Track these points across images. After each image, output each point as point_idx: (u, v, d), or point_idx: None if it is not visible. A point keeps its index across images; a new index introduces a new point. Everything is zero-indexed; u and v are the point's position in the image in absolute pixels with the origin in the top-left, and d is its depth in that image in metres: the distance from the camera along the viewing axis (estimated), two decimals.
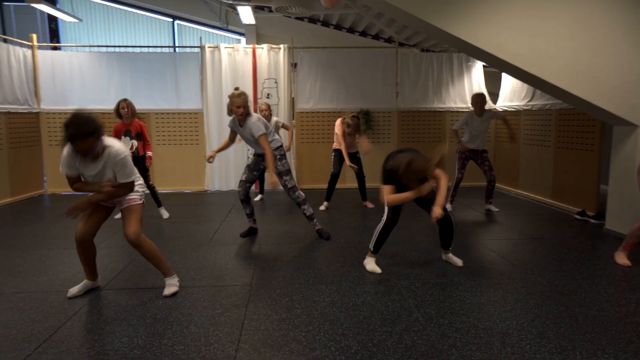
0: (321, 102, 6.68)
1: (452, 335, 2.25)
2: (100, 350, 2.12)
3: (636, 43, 3.67)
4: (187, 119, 6.65)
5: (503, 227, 4.40)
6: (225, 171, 6.66)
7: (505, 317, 2.43)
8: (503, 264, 3.29)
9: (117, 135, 4.66)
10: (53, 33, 8.84)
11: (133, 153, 4.64)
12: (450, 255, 3.31)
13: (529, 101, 5.85)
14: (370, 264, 3.19)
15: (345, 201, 5.72)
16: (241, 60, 6.55)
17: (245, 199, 4.02)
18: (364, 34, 8.17)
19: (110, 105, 6.50)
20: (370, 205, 5.30)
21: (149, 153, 4.77)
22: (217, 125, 6.55)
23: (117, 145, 2.58)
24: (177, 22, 9.15)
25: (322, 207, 5.25)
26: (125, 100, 4.72)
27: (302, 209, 3.96)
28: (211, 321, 2.41)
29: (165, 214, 4.88)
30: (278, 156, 3.87)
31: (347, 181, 6.73)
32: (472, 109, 5.06)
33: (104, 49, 8.11)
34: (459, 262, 3.27)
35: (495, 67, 4.17)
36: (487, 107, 6.77)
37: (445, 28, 3.60)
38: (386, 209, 3.13)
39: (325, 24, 8.13)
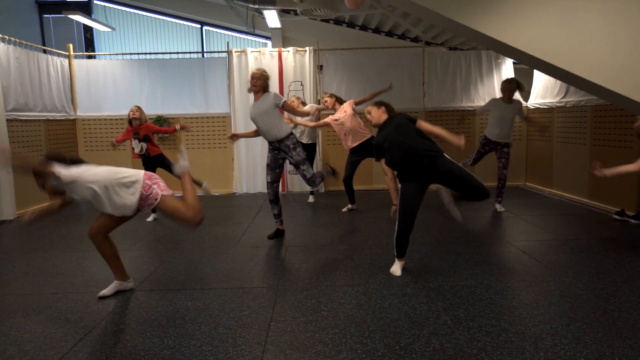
0: None
1: (482, 339, 2.19)
2: (132, 350, 2.18)
3: None
4: (215, 122, 6.77)
5: (536, 227, 4.26)
6: (253, 174, 6.73)
7: (538, 321, 2.35)
8: (536, 266, 3.18)
9: (127, 137, 4.89)
10: (88, 42, 9.20)
11: (143, 155, 4.85)
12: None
13: (562, 98, 5.65)
14: (394, 266, 3.15)
15: (374, 202, 5.68)
16: (267, 63, 6.61)
17: (275, 199, 4.07)
18: (390, 34, 8.10)
19: None
20: None
21: (178, 126, 5.11)
22: (245, 128, 6.62)
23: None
24: (205, 27, 9.35)
25: (344, 209, 5.22)
26: (137, 106, 4.94)
27: (320, 172, 4.17)
28: (238, 323, 2.44)
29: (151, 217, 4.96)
30: (292, 145, 3.90)
31: (375, 182, 6.69)
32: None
33: (135, 56, 8.37)
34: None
35: (525, 64, 4.05)
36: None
37: (470, 24, 3.51)
38: (397, 217, 3.06)
39: (351, 25, 8.11)
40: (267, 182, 4.04)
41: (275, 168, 4.02)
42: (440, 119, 6.69)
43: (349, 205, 5.26)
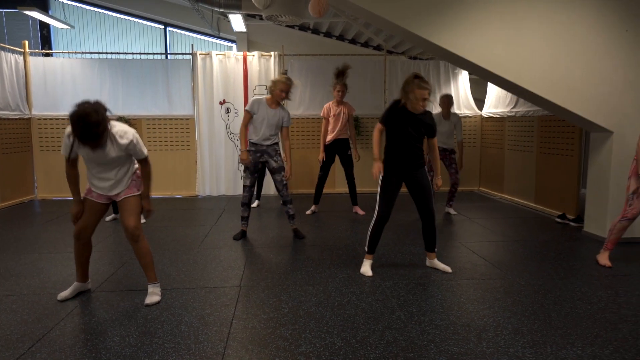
0: (311, 108, 6.80)
1: (432, 331, 2.35)
2: (92, 349, 2.19)
3: (611, 53, 3.84)
4: (178, 124, 6.73)
5: (487, 230, 4.53)
6: (217, 176, 6.73)
7: (482, 315, 2.54)
8: (484, 265, 3.41)
9: None
10: (45, 40, 8.89)
11: None
12: (436, 261, 3.33)
13: (512, 108, 6.02)
14: (364, 266, 3.27)
15: (335, 205, 5.82)
16: (232, 67, 6.66)
17: (248, 203, 4.19)
18: (353, 41, 8.33)
19: None
20: (361, 212, 5.31)
21: None
22: (208, 130, 6.64)
23: (118, 126, 2.62)
24: (169, 29, 9.25)
25: (308, 212, 5.34)
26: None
27: (287, 207, 4.16)
28: (201, 321, 2.49)
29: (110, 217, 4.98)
30: (279, 150, 4.11)
31: (337, 186, 6.84)
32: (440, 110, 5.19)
33: (95, 56, 8.17)
34: (447, 268, 3.27)
35: (478, 75, 4.32)
36: (473, 113, 6.97)
37: (428, 37, 3.73)
38: (377, 205, 3.20)
39: (316, 31, 8.28)
40: (245, 186, 4.11)
41: (254, 172, 4.11)
42: None
43: (313, 207, 5.37)
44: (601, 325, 2.40)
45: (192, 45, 6.89)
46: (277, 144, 4.09)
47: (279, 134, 4.08)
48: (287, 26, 8.11)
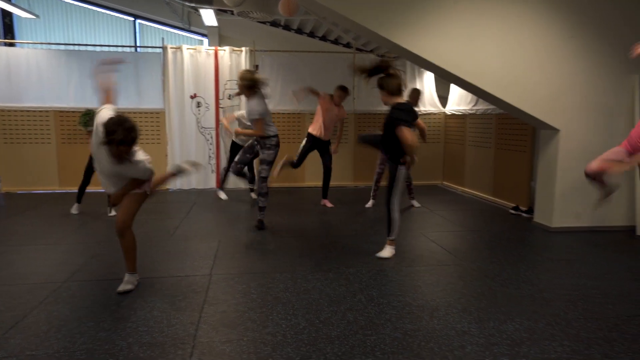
0: (282, 104, 6.92)
1: (389, 312, 2.56)
2: (67, 334, 2.29)
3: (558, 58, 4.15)
4: (148, 118, 6.73)
5: (447, 221, 4.81)
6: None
7: (436, 297, 2.78)
8: (441, 253, 3.66)
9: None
10: (7, 29, 8.63)
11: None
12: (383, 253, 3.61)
13: (473, 106, 6.33)
14: (386, 251, 3.57)
15: (305, 198, 5.99)
16: (203, 61, 6.70)
17: (240, 174, 4.55)
18: (324, 38, 8.47)
19: (69, 103, 6.52)
20: (329, 204, 5.50)
21: None
22: (179, 124, 6.68)
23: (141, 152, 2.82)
24: (138, 21, 9.14)
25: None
26: None
27: (259, 198, 4.32)
28: (172, 306, 2.62)
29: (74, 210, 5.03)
30: (268, 145, 4.22)
31: (307, 179, 7.01)
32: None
33: (62, 47, 8.01)
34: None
35: (438, 75, 4.57)
36: (437, 110, 7.27)
37: (389, 37, 3.94)
38: (397, 197, 3.48)
39: (287, 28, 8.38)
40: (234, 162, 4.46)
41: (247, 152, 4.43)
42: (369, 121, 7.16)
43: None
44: (538, 303, 2.67)
45: (163, 38, 6.88)
46: (270, 137, 4.20)
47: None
48: (259, 22, 8.17)
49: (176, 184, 6.74)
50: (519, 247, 3.82)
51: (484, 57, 4.06)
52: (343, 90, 5.28)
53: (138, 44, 9.12)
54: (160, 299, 2.71)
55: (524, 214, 4.94)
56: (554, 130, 4.26)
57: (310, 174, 6.95)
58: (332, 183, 6.50)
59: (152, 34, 9.30)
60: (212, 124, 6.80)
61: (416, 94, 5.41)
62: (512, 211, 5.09)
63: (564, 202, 4.30)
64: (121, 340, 2.23)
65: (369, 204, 5.46)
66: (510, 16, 4.06)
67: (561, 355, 2.09)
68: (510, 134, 5.49)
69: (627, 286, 2.96)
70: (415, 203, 5.48)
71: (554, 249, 3.80)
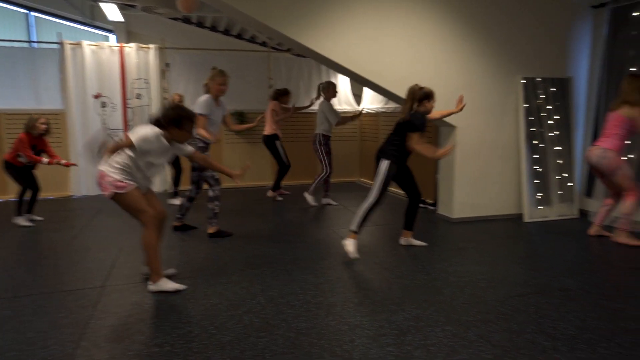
0: (194, 105, 6.69)
1: (287, 311, 2.56)
2: None
3: (453, 60, 4.41)
4: (48, 120, 6.18)
5: None
6: (93, 174, 6.32)
7: (335, 292, 2.83)
8: None
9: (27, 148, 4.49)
10: None
11: (28, 164, 4.58)
12: (412, 239, 3.79)
13: (385, 104, 6.56)
14: (352, 246, 3.43)
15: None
16: (107, 59, 6.30)
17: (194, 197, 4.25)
18: (239, 36, 8.32)
19: None
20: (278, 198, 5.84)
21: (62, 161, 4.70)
22: (82, 125, 6.22)
23: None
24: (32, 13, 8.36)
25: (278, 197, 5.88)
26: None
27: (214, 204, 4.05)
28: (52, 325, 2.41)
29: (23, 221, 4.58)
30: (205, 146, 4.00)
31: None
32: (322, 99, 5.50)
33: None
34: (422, 244, 3.78)
35: (346, 75, 4.67)
36: (352, 108, 7.44)
37: (293, 36, 3.95)
38: (375, 190, 3.47)
39: (200, 25, 8.11)
40: (193, 182, 4.19)
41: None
42: (284, 120, 7.15)
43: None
44: (429, 292, 2.82)
45: (60, 33, 6.36)
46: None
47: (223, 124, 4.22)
48: (171, 18, 7.83)
49: (80, 190, 6.28)
50: (420, 239, 4.00)
51: (388, 58, 4.21)
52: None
53: (33, 39, 8.36)
54: (39, 318, 2.49)
55: (430, 207, 5.21)
56: (450, 127, 4.53)
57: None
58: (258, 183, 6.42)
59: (50, 28, 8.56)
60: (120, 124, 6.41)
61: (330, 87, 5.48)
62: (420, 205, 5.34)
63: (462, 194, 4.59)
64: None
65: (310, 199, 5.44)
66: (410, 18, 4.24)
67: (441, 340, 2.21)
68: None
69: (510, 270, 3.22)
70: (331, 201, 5.56)
71: (452, 238, 4.04)
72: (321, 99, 5.50)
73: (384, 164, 3.53)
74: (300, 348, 2.16)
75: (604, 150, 3.73)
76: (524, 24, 4.56)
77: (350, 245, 3.44)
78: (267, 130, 5.77)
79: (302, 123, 7.08)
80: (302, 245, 3.85)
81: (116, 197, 2.76)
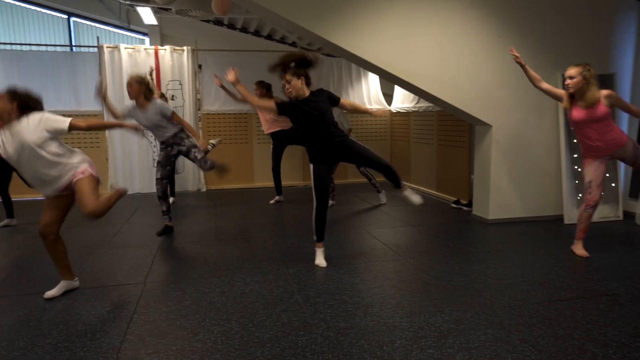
0: (227, 104, 6.79)
1: (324, 311, 2.57)
2: None
3: (489, 56, 4.31)
4: None
5: (390, 217, 4.90)
6: (130, 173, 6.53)
7: (372, 293, 2.81)
8: (382, 249, 3.72)
9: None
10: None
11: None
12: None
13: (416, 103, 6.49)
14: (318, 258, 3.34)
15: (254, 200, 5.92)
16: (143, 61, 6.47)
17: (163, 196, 4.17)
18: (269, 37, 8.40)
19: None
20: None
21: None
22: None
23: None
24: (73, 19, 8.68)
25: (272, 201, 5.65)
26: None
27: (206, 165, 4.15)
28: (99, 318, 2.50)
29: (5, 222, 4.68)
30: (184, 136, 4.12)
31: (256, 180, 6.93)
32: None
33: None
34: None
35: (376, 74, 4.63)
36: (382, 108, 7.39)
37: (326, 37, 3.95)
38: (314, 196, 3.25)
39: (232, 26, 8.23)
40: (157, 179, 4.13)
41: (166, 165, 4.14)
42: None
43: (277, 197, 5.62)
44: (469, 294, 2.76)
45: (98, 37, 6.58)
46: (180, 131, 4.11)
47: (170, 123, 4.05)
48: (202, 21, 7.98)
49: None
50: (456, 240, 3.94)
51: (419, 56, 4.16)
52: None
53: (73, 43, 8.67)
54: (87, 312, 2.58)
55: (465, 207, 5.11)
56: (487, 126, 4.44)
57: (260, 175, 6.90)
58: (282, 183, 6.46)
59: (89, 32, 8.86)
60: None
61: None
62: (454, 205, 5.26)
63: (498, 194, 4.48)
64: (36, 359, 2.10)
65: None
66: (443, 17, 4.17)
67: (484, 344, 2.17)
68: (450, 130, 5.67)
69: (551, 273, 3.12)
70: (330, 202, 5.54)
71: (488, 240, 3.95)
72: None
73: (311, 170, 3.28)
74: (340, 348, 2.16)
75: None
76: (565, 18, 4.41)
77: (317, 256, 3.37)
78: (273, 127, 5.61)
79: None
80: (336, 244, 3.85)
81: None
